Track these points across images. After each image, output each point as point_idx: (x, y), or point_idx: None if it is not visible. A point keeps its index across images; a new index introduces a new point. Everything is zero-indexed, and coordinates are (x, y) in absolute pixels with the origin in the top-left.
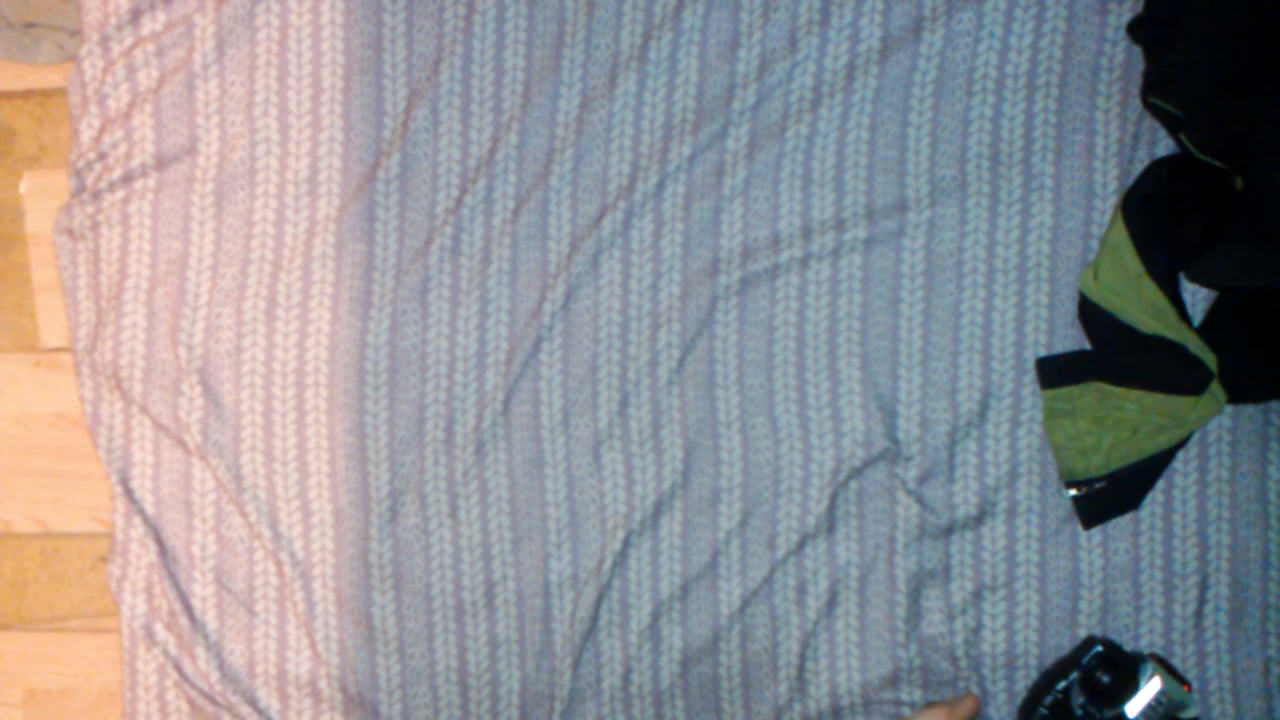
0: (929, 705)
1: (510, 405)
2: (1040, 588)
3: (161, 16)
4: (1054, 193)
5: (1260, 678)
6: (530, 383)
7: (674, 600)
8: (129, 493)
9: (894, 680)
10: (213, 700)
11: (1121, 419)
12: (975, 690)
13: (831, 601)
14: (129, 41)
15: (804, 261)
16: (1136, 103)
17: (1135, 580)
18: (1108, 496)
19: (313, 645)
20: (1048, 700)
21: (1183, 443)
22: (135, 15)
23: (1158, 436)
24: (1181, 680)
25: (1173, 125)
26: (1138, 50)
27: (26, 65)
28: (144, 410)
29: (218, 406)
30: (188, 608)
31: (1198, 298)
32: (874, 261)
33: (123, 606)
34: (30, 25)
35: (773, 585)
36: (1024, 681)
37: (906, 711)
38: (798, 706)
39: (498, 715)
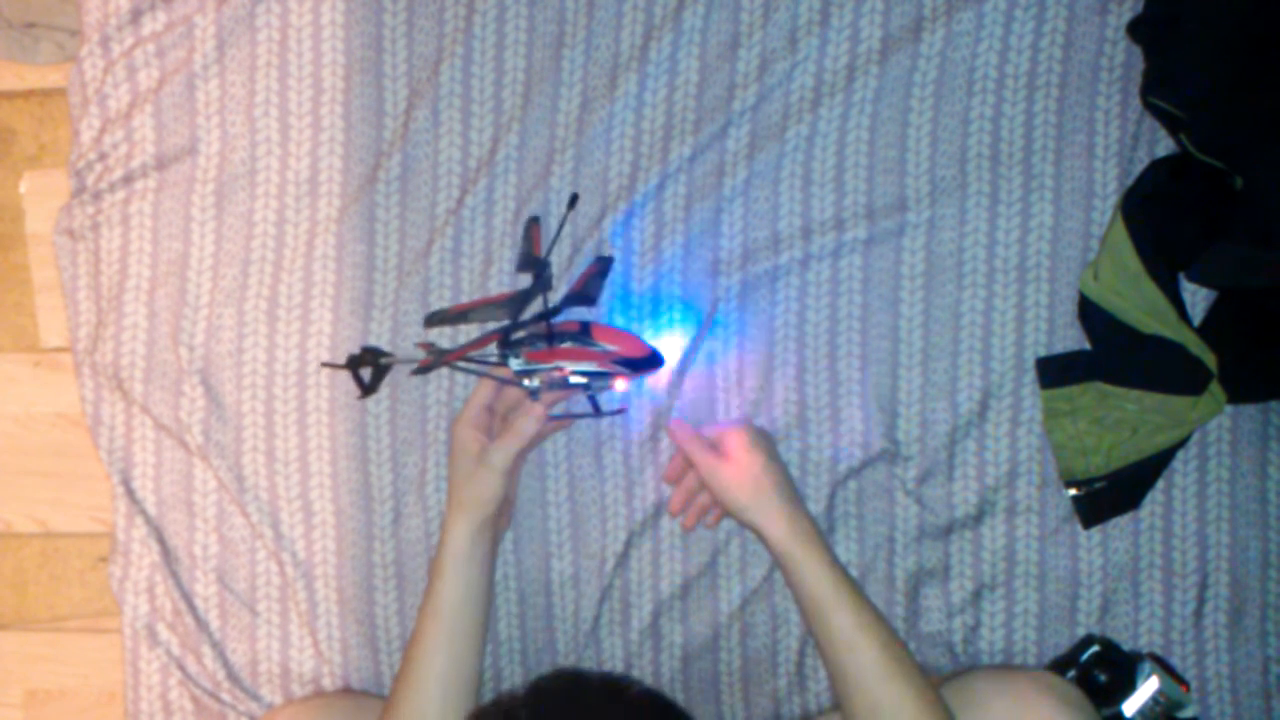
0: None
1: None
2: (1039, 587)
3: (162, 16)
4: (1054, 193)
5: (1259, 677)
6: None
7: (675, 599)
8: (130, 493)
9: None
10: (218, 699)
11: (1121, 419)
12: None
13: None
14: (129, 42)
15: (804, 262)
16: (1136, 103)
17: (1135, 580)
18: (1108, 496)
19: (316, 644)
20: None
21: (1183, 443)
22: (135, 15)
23: (1157, 436)
24: (1180, 680)
25: (1173, 125)
26: (1138, 50)
27: (26, 65)
28: (145, 411)
29: (219, 407)
30: (191, 607)
31: (1198, 298)
32: (874, 261)
33: (125, 607)
34: (30, 25)
35: (773, 584)
36: None
37: None
38: (796, 700)
39: None
